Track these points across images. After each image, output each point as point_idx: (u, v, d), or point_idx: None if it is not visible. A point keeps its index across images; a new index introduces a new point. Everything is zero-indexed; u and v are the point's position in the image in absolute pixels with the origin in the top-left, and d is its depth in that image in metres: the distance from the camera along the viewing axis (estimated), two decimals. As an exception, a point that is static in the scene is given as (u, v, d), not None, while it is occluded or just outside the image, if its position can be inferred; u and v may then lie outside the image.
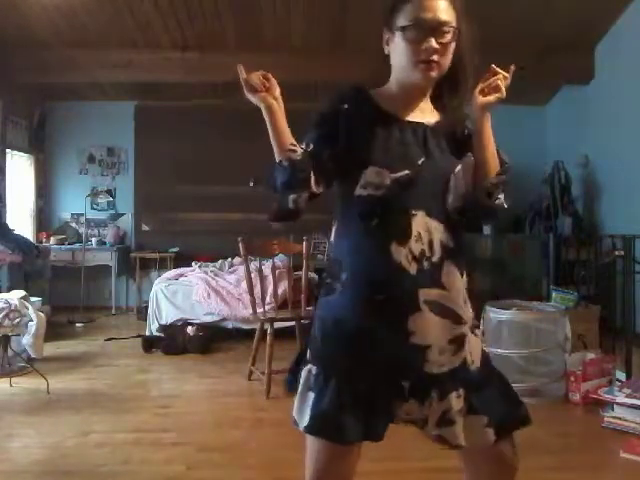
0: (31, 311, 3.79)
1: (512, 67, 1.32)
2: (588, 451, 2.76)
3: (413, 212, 1.26)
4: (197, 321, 5.02)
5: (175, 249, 6.76)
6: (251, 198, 6.90)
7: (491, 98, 1.31)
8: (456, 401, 1.29)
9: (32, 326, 3.74)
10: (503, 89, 1.31)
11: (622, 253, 3.65)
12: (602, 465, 2.64)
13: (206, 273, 5.40)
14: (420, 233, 1.26)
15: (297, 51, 5.65)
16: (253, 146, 6.81)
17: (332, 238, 1.38)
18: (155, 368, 4.33)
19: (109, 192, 6.90)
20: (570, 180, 5.95)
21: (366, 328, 1.26)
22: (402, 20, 1.29)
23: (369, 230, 1.28)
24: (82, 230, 6.72)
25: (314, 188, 1.26)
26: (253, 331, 3.97)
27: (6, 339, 3.78)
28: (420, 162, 1.29)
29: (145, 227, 7.01)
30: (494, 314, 3.56)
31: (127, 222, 7.03)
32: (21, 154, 6.47)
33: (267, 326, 3.69)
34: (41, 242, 6.45)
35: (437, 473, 2.40)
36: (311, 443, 1.30)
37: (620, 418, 2.95)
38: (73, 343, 5.06)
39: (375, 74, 1.40)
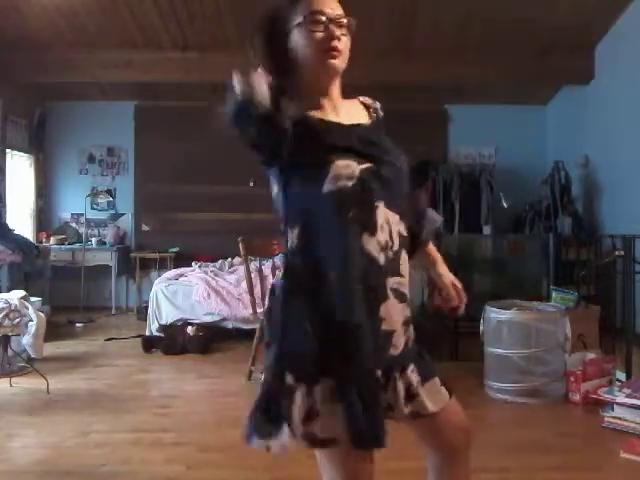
0: (31, 311, 3.79)
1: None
2: (588, 451, 2.76)
3: (376, 204, 1.29)
4: (197, 321, 5.02)
5: (175, 249, 6.76)
6: (251, 198, 6.92)
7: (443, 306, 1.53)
8: (413, 375, 1.34)
9: (32, 326, 3.74)
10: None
11: (622, 253, 3.65)
12: (602, 465, 2.64)
13: (206, 273, 5.40)
14: (382, 224, 1.29)
15: (297, 51, 5.65)
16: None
17: (294, 244, 1.31)
18: (155, 368, 4.34)
19: (109, 192, 6.90)
20: (570, 180, 5.95)
21: (358, 325, 1.26)
22: (298, 16, 1.30)
23: (343, 224, 1.26)
24: (82, 230, 6.73)
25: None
26: (253, 331, 3.97)
27: (6, 339, 3.78)
28: (378, 154, 1.32)
29: (145, 227, 7.01)
30: (494, 314, 3.56)
31: (127, 222, 7.03)
32: (21, 154, 6.48)
33: (267, 326, 3.69)
34: (41, 242, 6.46)
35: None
36: (333, 455, 1.24)
37: (620, 418, 2.95)
38: (73, 343, 5.06)
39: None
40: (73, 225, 6.95)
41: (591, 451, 2.76)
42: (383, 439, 1.23)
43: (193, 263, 5.89)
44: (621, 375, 3.50)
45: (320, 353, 1.22)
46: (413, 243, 1.43)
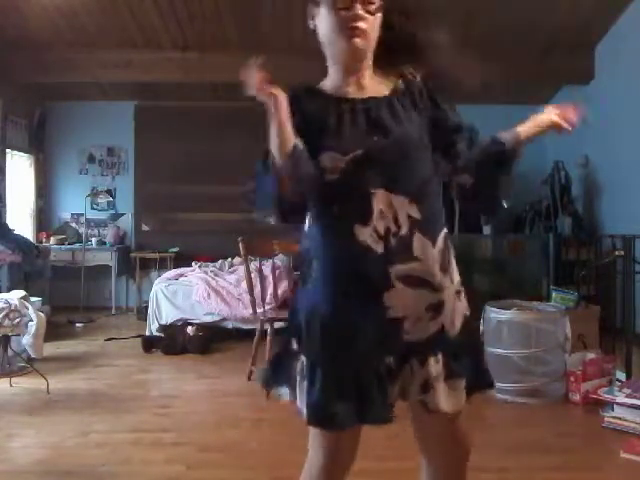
0: (31, 311, 3.79)
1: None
2: (588, 451, 2.76)
3: (372, 191, 1.26)
4: (197, 321, 5.02)
5: (175, 249, 6.76)
6: (251, 198, 6.93)
7: (561, 125, 1.38)
8: (435, 367, 1.31)
9: (32, 326, 3.74)
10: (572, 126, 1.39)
11: (622, 253, 3.65)
12: (602, 465, 2.63)
13: (206, 273, 5.40)
14: (382, 210, 1.26)
15: (297, 51, 5.64)
16: (253, 146, 6.88)
17: (305, 228, 1.38)
18: (155, 368, 4.33)
19: (109, 192, 6.90)
20: (570, 180, 5.95)
21: (342, 313, 1.28)
22: None
23: (332, 215, 1.29)
24: (82, 230, 6.72)
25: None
26: (253, 331, 3.97)
27: (6, 339, 3.78)
28: (375, 139, 1.29)
29: (145, 227, 7.01)
30: (494, 314, 3.56)
31: (127, 222, 7.03)
32: (21, 154, 6.47)
33: (267, 326, 3.69)
34: (41, 242, 6.45)
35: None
36: (313, 432, 1.35)
37: (620, 418, 2.94)
38: (73, 343, 5.06)
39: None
40: (73, 225, 6.95)
41: (591, 451, 2.76)
42: (337, 422, 1.26)
43: (193, 263, 5.89)
44: (621, 375, 3.50)
45: (305, 332, 1.31)
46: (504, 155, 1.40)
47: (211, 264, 5.81)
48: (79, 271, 6.40)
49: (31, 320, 3.75)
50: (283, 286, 4.71)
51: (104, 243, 6.72)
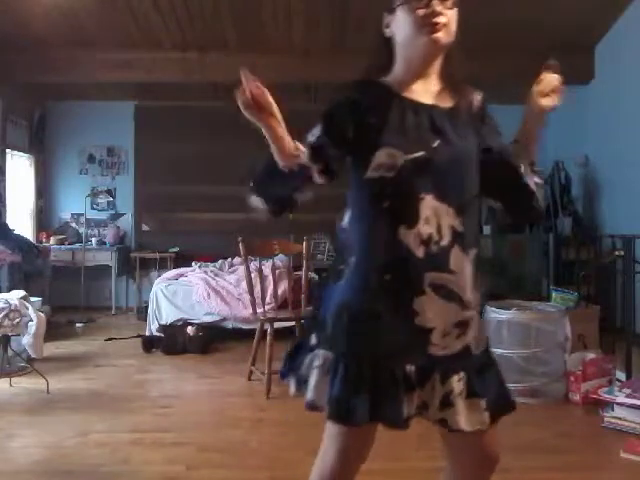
0: (31, 311, 3.78)
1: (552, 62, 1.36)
2: (588, 451, 2.76)
3: (422, 195, 1.26)
4: (197, 321, 5.02)
5: (175, 249, 6.76)
6: (251, 198, 6.94)
7: (551, 102, 1.37)
8: (457, 384, 1.30)
9: (32, 326, 3.74)
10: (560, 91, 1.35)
11: (622, 253, 3.65)
12: (602, 465, 2.64)
13: (206, 273, 5.40)
14: (428, 217, 1.26)
15: (297, 51, 5.65)
16: (253, 146, 6.88)
17: (344, 224, 1.39)
18: (155, 368, 4.33)
19: (109, 192, 6.91)
20: (570, 180, 5.95)
21: (372, 311, 1.28)
22: None
23: (379, 213, 1.29)
24: (82, 230, 6.72)
25: (318, 180, 1.30)
26: (253, 331, 3.97)
27: (6, 339, 3.78)
28: (435, 145, 1.28)
29: (145, 227, 7.01)
30: (494, 314, 3.56)
31: (127, 222, 7.03)
32: (21, 154, 6.48)
33: (267, 326, 3.69)
34: (41, 242, 6.46)
35: (437, 473, 2.39)
36: (330, 426, 1.33)
37: (620, 418, 2.95)
38: (73, 343, 5.06)
39: (373, 66, 1.40)
40: (73, 225, 6.95)
41: (591, 451, 2.77)
42: (354, 418, 1.25)
43: (193, 263, 5.89)
44: (621, 375, 3.50)
45: (331, 327, 1.31)
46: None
47: (211, 264, 5.81)
48: (79, 271, 6.40)
49: (31, 320, 3.75)
50: (283, 286, 4.71)
51: (104, 243, 6.72)
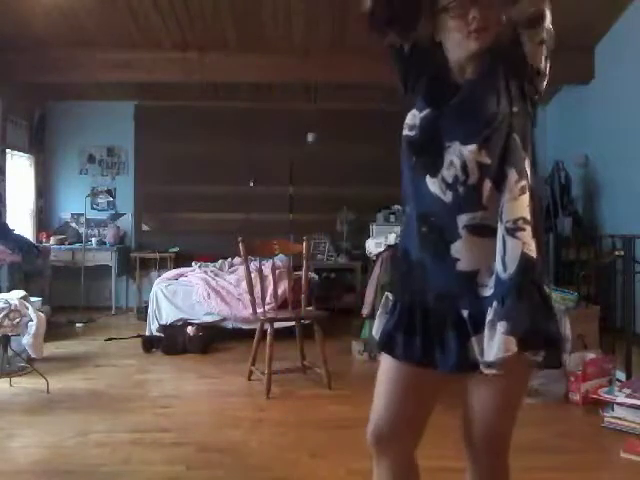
0: (31, 311, 3.79)
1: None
2: (588, 451, 2.76)
3: (447, 144, 1.30)
4: (197, 321, 5.02)
5: (175, 249, 6.76)
6: (251, 198, 6.94)
7: None
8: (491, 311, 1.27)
9: (32, 326, 3.74)
10: None
11: (622, 253, 3.65)
12: (602, 465, 2.64)
13: (206, 273, 5.40)
14: (452, 160, 1.30)
15: (297, 51, 5.65)
16: (253, 146, 6.89)
17: None
18: (155, 368, 4.33)
19: (109, 192, 6.91)
20: (570, 180, 5.95)
21: (418, 259, 1.35)
22: (443, 1, 1.33)
23: (411, 167, 1.37)
24: (82, 230, 6.73)
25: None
26: (253, 331, 3.97)
27: (6, 339, 3.78)
28: (451, 102, 1.33)
29: (145, 227, 7.02)
30: (494, 314, 3.55)
31: (127, 222, 7.04)
32: (21, 154, 6.48)
33: (267, 326, 3.69)
34: (41, 242, 6.46)
35: (437, 473, 2.39)
36: (378, 379, 1.42)
37: (620, 418, 2.95)
38: (73, 343, 5.06)
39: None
40: (73, 225, 6.96)
41: (591, 451, 2.76)
42: (397, 351, 1.34)
43: (193, 263, 5.89)
44: (621, 375, 3.50)
45: (392, 269, 1.42)
46: None
47: (211, 264, 5.81)
48: (79, 271, 6.40)
49: (31, 320, 3.75)
50: (283, 286, 4.71)
51: (104, 243, 6.73)
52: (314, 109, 6.60)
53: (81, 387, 3.77)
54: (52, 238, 6.57)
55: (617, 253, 3.75)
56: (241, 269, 5.15)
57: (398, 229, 4.38)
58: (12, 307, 3.70)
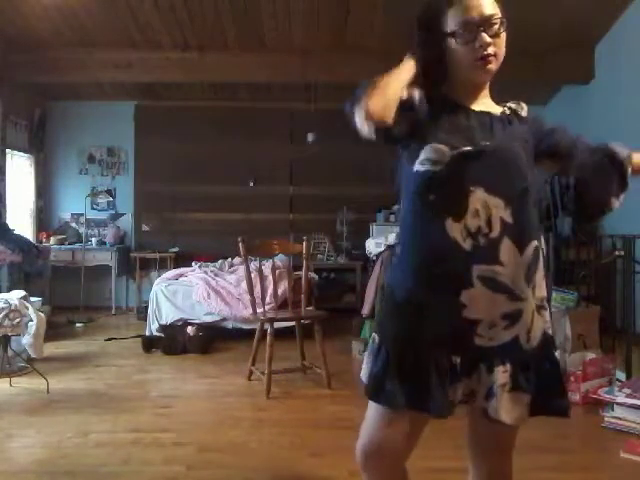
0: (31, 311, 3.78)
1: None
2: (588, 451, 2.76)
3: (472, 189, 1.28)
4: (197, 321, 5.02)
5: (175, 249, 6.77)
6: (251, 198, 6.94)
7: None
8: (501, 375, 1.30)
9: (32, 326, 3.74)
10: None
11: (622, 253, 3.65)
12: (602, 465, 2.64)
13: (206, 273, 5.40)
14: (478, 209, 1.27)
15: (297, 51, 5.65)
16: (253, 146, 6.90)
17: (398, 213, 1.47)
18: (155, 368, 4.33)
19: (109, 192, 6.91)
20: (570, 180, 5.94)
21: (415, 299, 1.31)
22: (450, 25, 1.32)
23: (426, 206, 1.32)
24: (82, 230, 6.73)
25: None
26: (253, 331, 3.97)
27: (6, 339, 3.78)
28: (484, 143, 1.31)
29: (145, 227, 7.02)
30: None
31: (127, 222, 7.04)
32: (21, 154, 6.48)
33: (267, 326, 3.69)
34: (41, 242, 6.46)
35: (437, 473, 2.40)
36: (369, 407, 1.38)
37: (620, 418, 2.94)
38: (73, 343, 5.06)
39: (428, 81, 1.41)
40: (73, 225, 6.96)
41: (591, 451, 2.76)
42: (389, 400, 1.30)
43: (193, 263, 5.89)
44: (621, 375, 3.50)
45: (379, 310, 1.41)
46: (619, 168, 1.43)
47: (211, 264, 5.81)
48: (79, 271, 6.41)
49: (31, 320, 3.75)
50: (283, 286, 4.71)
51: (104, 243, 6.73)
52: (314, 109, 6.61)
53: (81, 387, 3.77)
54: (52, 238, 6.57)
55: (617, 253, 3.75)
56: (241, 269, 5.15)
57: (398, 229, 4.37)
58: (12, 307, 3.70)
